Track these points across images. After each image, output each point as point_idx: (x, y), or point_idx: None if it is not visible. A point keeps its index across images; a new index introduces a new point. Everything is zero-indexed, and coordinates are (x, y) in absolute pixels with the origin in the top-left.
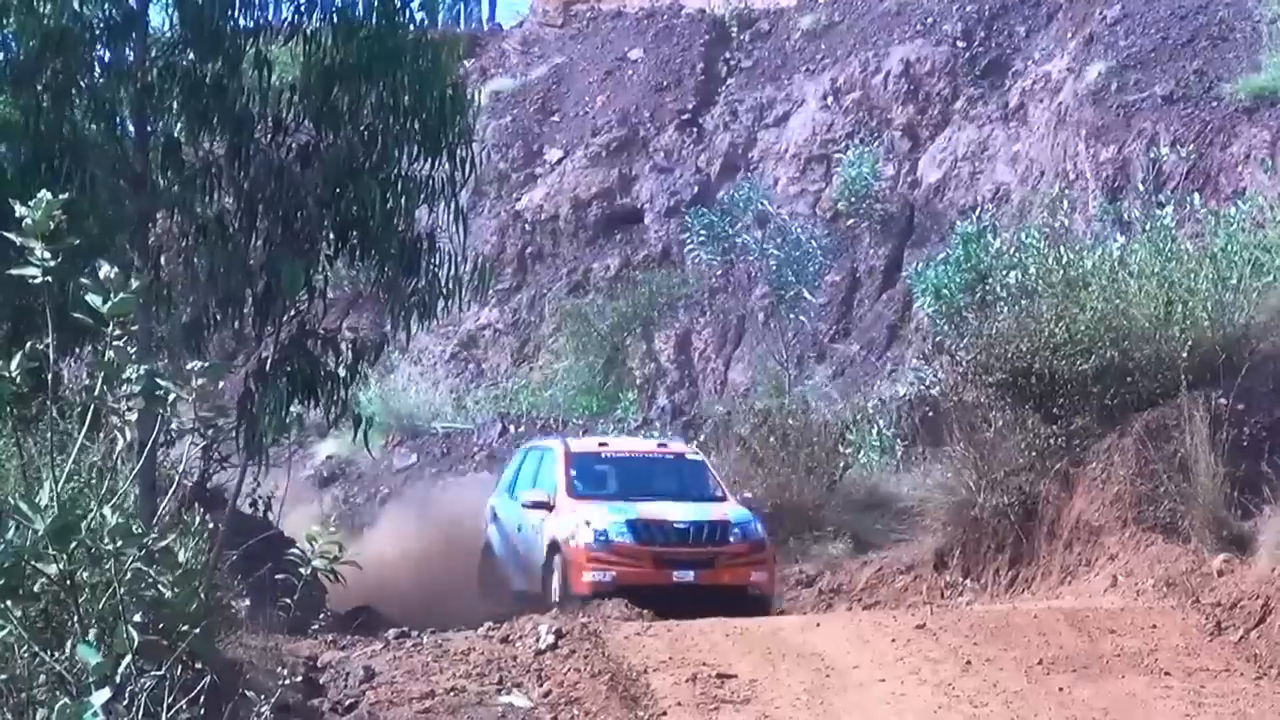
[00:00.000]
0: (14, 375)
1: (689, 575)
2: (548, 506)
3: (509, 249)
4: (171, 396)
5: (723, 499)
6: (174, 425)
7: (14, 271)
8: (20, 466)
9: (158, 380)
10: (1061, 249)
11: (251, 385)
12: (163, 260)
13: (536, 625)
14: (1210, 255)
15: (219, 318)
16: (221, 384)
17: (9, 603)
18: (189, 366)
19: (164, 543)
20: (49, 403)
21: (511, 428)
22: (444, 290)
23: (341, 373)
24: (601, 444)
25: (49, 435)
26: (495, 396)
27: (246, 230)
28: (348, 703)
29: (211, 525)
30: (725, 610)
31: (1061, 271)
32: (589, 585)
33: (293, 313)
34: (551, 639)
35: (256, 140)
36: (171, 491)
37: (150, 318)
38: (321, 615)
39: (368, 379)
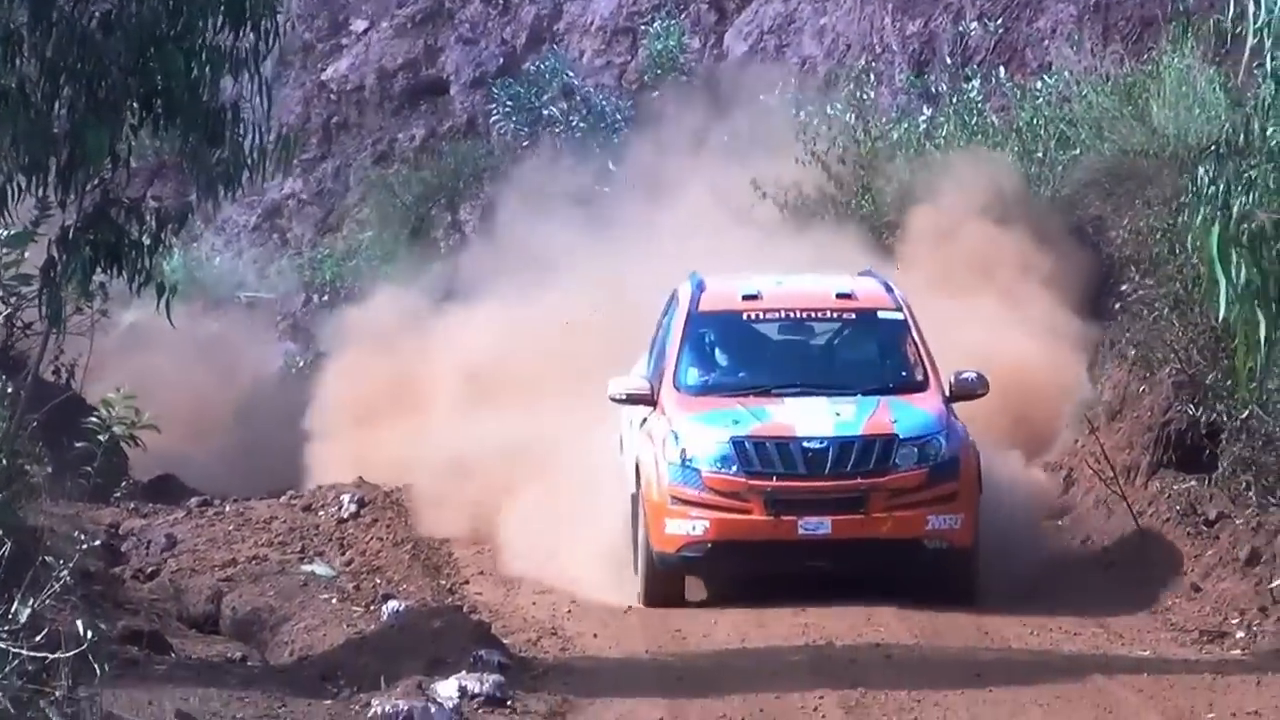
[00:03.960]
0: None
1: (822, 526)
2: (649, 401)
3: (314, 119)
4: None
5: (923, 384)
6: None
7: None
8: None
9: None
10: (869, 121)
11: (54, 253)
12: None
13: (339, 494)
14: (1016, 129)
15: (22, 186)
16: (25, 252)
17: None
18: None
19: None
20: None
21: (315, 297)
22: (248, 160)
23: (145, 241)
24: (749, 297)
25: None
26: (299, 266)
27: (49, 98)
28: (149, 570)
29: (12, 392)
30: (891, 576)
31: (869, 144)
32: (673, 541)
33: (96, 181)
34: (354, 508)
35: (59, 8)
36: None
37: None
38: (123, 483)
39: (172, 248)
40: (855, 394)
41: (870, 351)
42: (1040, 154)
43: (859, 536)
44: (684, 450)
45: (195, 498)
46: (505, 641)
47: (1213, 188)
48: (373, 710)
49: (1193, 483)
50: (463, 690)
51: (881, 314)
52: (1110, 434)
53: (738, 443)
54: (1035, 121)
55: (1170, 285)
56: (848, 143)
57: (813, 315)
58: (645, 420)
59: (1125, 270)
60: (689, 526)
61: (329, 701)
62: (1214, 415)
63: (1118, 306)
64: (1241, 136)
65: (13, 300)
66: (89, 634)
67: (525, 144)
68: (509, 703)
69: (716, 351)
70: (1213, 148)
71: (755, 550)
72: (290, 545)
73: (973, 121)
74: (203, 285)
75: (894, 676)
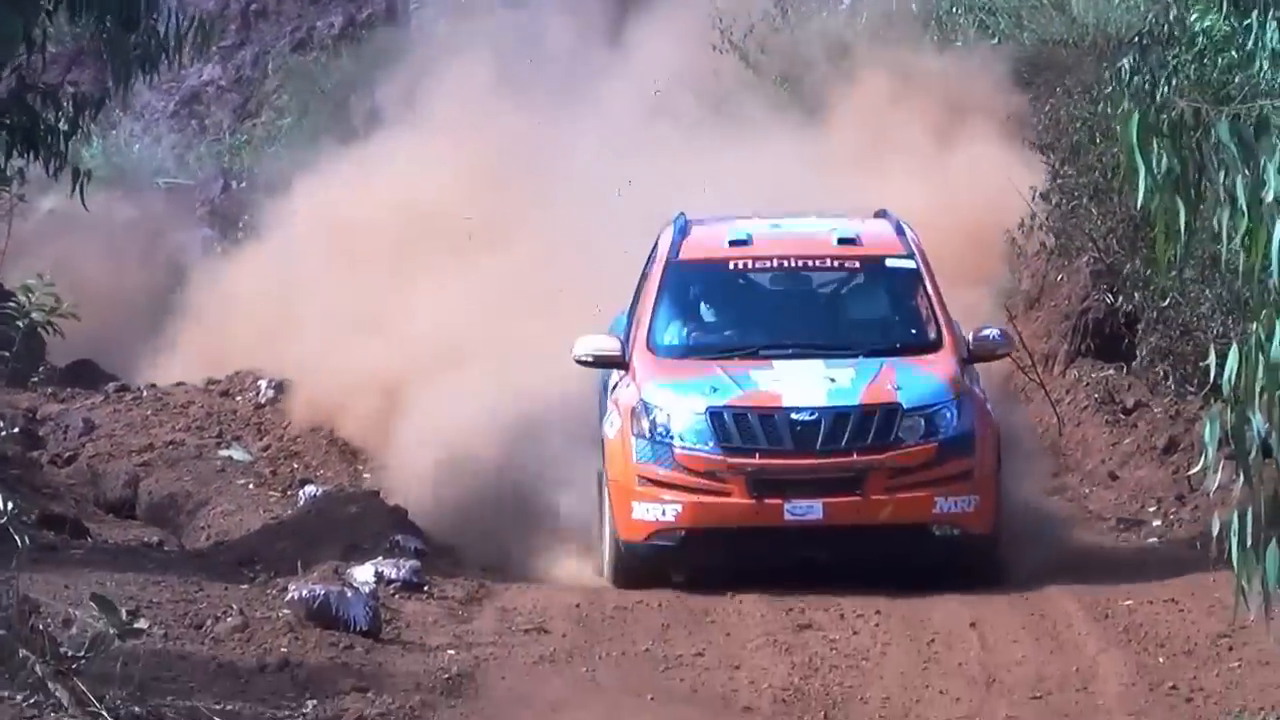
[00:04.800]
0: None
1: (813, 510)
2: (619, 364)
3: (232, 6)
4: None
5: (936, 343)
6: None
7: None
8: None
9: None
10: (788, 9)
11: None
12: None
13: (257, 379)
14: (935, 17)
15: None
16: None
17: None
18: None
19: None
20: None
21: (234, 183)
22: (165, 46)
23: (62, 127)
24: (737, 243)
25: None
26: (218, 152)
27: None
28: (67, 455)
29: None
30: (896, 566)
31: (789, 32)
32: (641, 528)
33: (12, 67)
34: (272, 393)
35: None
36: None
37: None
38: (41, 368)
39: (89, 134)
40: (856, 356)
41: (876, 306)
42: (959, 42)
43: (855, 522)
44: (654, 422)
45: (113, 383)
46: (422, 527)
47: (1136, 76)
48: (289, 595)
49: (1111, 371)
50: (379, 575)
51: (890, 262)
52: (1028, 322)
53: (715, 414)
54: (954, 10)
55: (1090, 174)
56: (767, 31)
57: (810, 264)
58: (615, 385)
59: (1045, 158)
60: (659, 511)
61: (246, 586)
62: (1132, 304)
63: (1037, 195)
64: (1165, 26)
65: None
66: (8, 505)
67: (444, 31)
68: (425, 588)
69: (698, 307)
70: (1136, 37)
71: (736, 539)
72: (207, 430)
73: (893, 11)
74: (121, 171)
75: (816, 569)
